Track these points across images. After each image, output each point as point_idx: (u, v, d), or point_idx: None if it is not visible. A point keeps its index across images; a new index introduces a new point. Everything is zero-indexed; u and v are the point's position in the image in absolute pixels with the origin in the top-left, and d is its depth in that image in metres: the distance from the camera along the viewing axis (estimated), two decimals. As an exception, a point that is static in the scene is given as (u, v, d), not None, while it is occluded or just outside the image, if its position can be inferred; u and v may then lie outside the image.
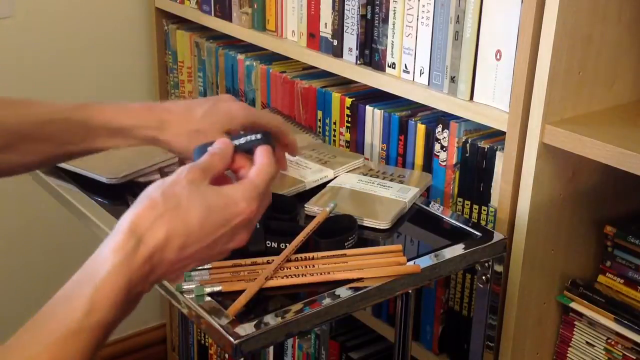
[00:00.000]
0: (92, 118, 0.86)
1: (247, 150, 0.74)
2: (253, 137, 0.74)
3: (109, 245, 0.60)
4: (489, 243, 0.95)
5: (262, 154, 0.72)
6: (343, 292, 0.81)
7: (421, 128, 1.11)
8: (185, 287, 0.79)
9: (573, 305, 1.03)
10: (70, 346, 0.56)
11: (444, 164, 1.09)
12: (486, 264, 0.97)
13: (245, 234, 0.68)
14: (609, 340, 0.99)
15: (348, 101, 1.23)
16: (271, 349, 1.53)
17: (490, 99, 1.00)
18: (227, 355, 1.69)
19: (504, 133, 0.98)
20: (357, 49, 1.18)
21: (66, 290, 0.59)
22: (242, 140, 0.74)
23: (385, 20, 1.12)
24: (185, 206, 0.63)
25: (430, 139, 1.10)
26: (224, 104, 0.88)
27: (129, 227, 0.61)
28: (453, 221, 1.01)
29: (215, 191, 0.66)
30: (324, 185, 1.05)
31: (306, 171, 1.07)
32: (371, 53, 1.17)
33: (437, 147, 1.09)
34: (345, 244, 0.89)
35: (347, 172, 1.09)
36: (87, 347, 0.57)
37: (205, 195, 0.65)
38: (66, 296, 0.59)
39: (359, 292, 0.81)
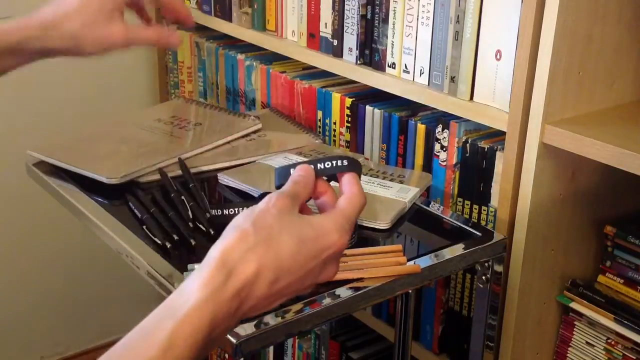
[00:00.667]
0: None
1: (329, 176, 0.69)
2: (339, 162, 0.68)
3: (196, 278, 0.55)
4: (489, 243, 0.95)
5: (350, 182, 0.67)
6: (343, 292, 0.81)
7: (421, 128, 1.11)
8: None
9: (573, 305, 1.03)
10: None
11: (444, 164, 1.09)
12: (486, 264, 0.97)
13: (335, 266, 0.63)
14: (609, 340, 0.99)
15: (348, 101, 1.23)
16: (271, 349, 1.53)
17: (490, 99, 1.00)
18: (227, 355, 1.69)
19: (504, 133, 0.98)
20: (357, 49, 1.18)
21: (147, 323, 0.55)
22: (326, 165, 0.68)
23: (385, 20, 1.12)
24: (277, 237, 0.58)
25: (430, 139, 1.10)
26: None
27: (218, 259, 0.56)
28: (453, 221, 1.01)
29: (307, 221, 0.61)
30: (324, 185, 1.05)
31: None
32: (371, 53, 1.17)
33: (437, 147, 1.09)
34: (345, 244, 0.89)
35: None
36: None
37: (297, 226, 0.60)
38: (146, 330, 0.54)
39: (359, 292, 0.81)
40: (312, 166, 0.67)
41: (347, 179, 0.67)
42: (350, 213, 0.64)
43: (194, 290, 0.54)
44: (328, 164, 0.68)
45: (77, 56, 0.90)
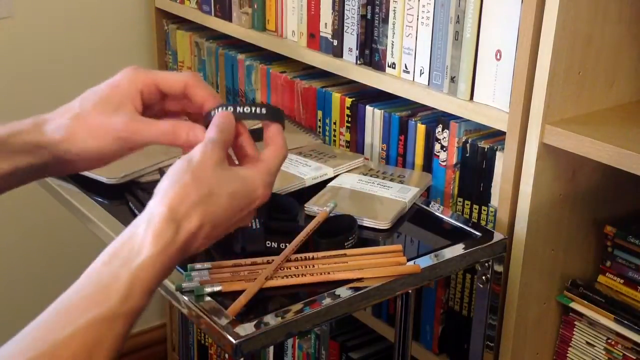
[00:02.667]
0: None
1: (254, 133, 0.72)
2: (258, 109, 0.71)
3: (148, 230, 0.59)
4: (489, 243, 0.95)
5: (274, 134, 0.71)
6: (343, 292, 0.81)
7: (421, 128, 1.11)
8: (185, 287, 0.79)
9: (573, 305, 1.03)
10: (104, 332, 0.55)
11: (444, 164, 1.09)
12: (486, 264, 0.97)
13: (252, 216, 0.69)
14: (609, 340, 0.99)
15: (348, 101, 1.23)
16: (271, 349, 1.53)
17: (490, 99, 1.00)
18: (227, 355, 1.69)
19: (504, 133, 0.98)
20: (357, 49, 1.18)
21: (99, 272, 0.58)
22: (245, 110, 0.71)
23: (385, 20, 1.12)
24: (217, 193, 0.63)
25: (430, 139, 1.10)
26: (108, 80, 0.77)
27: (167, 213, 0.60)
28: (453, 221, 1.01)
29: (240, 177, 0.66)
30: (323, 184, 1.05)
31: (306, 168, 1.07)
32: (371, 53, 1.17)
33: (437, 147, 1.09)
34: (345, 244, 0.89)
35: (347, 171, 1.10)
36: (121, 333, 0.56)
37: (232, 181, 0.65)
38: (99, 280, 0.57)
39: (359, 292, 0.81)
40: (232, 109, 0.71)
41: (272, 131, 0.71)
42: (274, 168, 0.69)
43: (147, 244, 0.58)
44: (247, 109, 0.71)
45: (74, 156, 0.74)
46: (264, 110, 0.71)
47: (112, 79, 0.76)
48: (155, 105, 0.76)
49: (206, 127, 0.71)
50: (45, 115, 0.76)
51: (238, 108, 0.71)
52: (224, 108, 0.71)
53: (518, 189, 0.97)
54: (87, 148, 0.73)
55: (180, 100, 0.76)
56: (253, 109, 0.72)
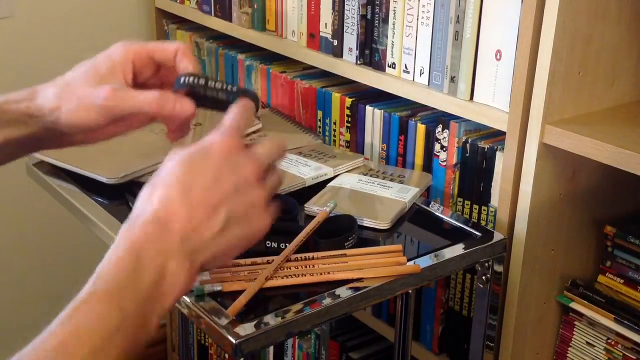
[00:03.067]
0: None
1: (211, 98, 0.71)
2: (230, 87, 0.70)
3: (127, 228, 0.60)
4: (489, 243, 0.95)
5: (238, 106, 0.68)
6: (343, 292, 0.81)
7: (421, 128, 1.11)
8: (185, 287, 0.79)
9: (573, 305, 1.03)
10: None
11: (444, 164, 1.09)
12: (486, 264, 0.97)
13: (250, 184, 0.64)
14: (609, 340, 0.99)
15: (348, 101, 1.23)
16: (271, 349, 1.53)
17: (490, 99, 1.00)
18: (227, 355, 1.69)
19: (504, 133, 0.98)
20: (357, 49, 1.18)
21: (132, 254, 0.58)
22: (217, 85, 0.70)
23: (385, 20, 1.12)
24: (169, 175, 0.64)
25: (430, 139, 1.10)
26: (105, 51, 0.78)
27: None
28: (453, 221, 1.01)
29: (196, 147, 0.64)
30: (323, 184, 1.05)
31: (306, 168, 1.07)
32: (371, 53, 1.17)
33: (437, 147, 1.09)
34: (345, 244, 0.89)
35: (347, 171, 1.10)
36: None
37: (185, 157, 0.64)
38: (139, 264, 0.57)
39: (359, 292, 0.81)
40: (203, 81, 0.70)
41: (237, 104, 0.68)
42: (226, 123, 0.65)
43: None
44: (219, 85, 0.71)
45: (62, 127, 0.74)
46: (234, 89, 0.70)
47: (107, 49, 0.77)
48: (150, 78, 0.76)
49: (173, 91, 0.71)
50: (39, 86, 0.76)
51: (210, 82, 0.70)
52: (196, 78, 0.71)
53: (518, 189, 0.97)
54: (74, 118, 0.73)
55: (174, 72, 0.75)
56: (225, 85, 0.70)
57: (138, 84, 0.75)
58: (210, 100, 0.72)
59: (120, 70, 0.74)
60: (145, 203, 0.62)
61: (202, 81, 0.71)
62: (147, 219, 0.60)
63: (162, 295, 0.58)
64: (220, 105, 0.71)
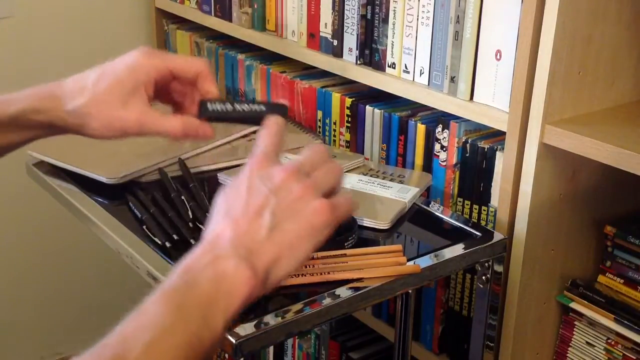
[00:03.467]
0: None
1: (239, 119, 0.73)
2: (257, 107, 0.72)
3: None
4: (489, 243, 0.95)
5: (269, 123, 0.70)
6: (343, 292, 0.81)
7: (421, 128, 1.11)
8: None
9: (573, 305, 1.03)
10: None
11: (444, 164, 1.09)
12: (486, 264, 0.97)
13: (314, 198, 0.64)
14: (609, 340, 0.99)
15: (348, 101, 1.23)
16: (271, 349, 1.53)
17: (490, 99, 1.00)
18: (227, 355, 1.69)
19: (504, 133, 0.98)
20: (357, 49, 1.18)
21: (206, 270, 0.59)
22: (245, 108, 0.72)
23: (385, 20, 1.12)
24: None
25: (430, 139, 1.10)
26: (125, 58, 0.81)
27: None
28: (453, 221, 1.01)
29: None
30: (324, 185, 1.05)
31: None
32: (371, 53, 1.17)
33: (437, 147, 1.09)
34: (345, 244, 0.89)
35: (347, 171, 1.10)
36: None
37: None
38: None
39: (359, 292, 0.81)
40: (229, 107, 0.73)
41: (269, 120, 0.70)
42: (260, 146, 0.68)
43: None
44: (246, 107, 0.73)
45: (84, 135, 0.81)
46: (261, 107, 0.72)
47: (128, 58, 0.80)
48: (164, 86, 0.80)
49: (198, 116, 0.75)
50: (61, 91, 0.79)
51: (236, 105, 0.72)
52: (222, 104, 0.73)
53: (518, 189, 0.97)
54: (98, 134, 0.79)
55: (186, 85, 0.80)
56: (252, 105, 0.72)
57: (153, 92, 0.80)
58: (239, 120, 0.74)
59: (143, 89, 0.78)
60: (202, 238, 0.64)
61: (228, 107, 0.73)
62: (199, 243, 0.62)
63: (225, 297, 0.58)
64: (251, 122, 0.74)
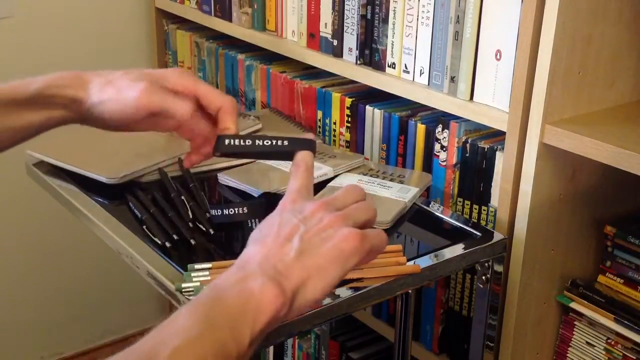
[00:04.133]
0: None
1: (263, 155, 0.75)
2: (279, 142, 0.72)
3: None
4: (489, 243, 0.95)
5: (299, 161, 0.73)
6: (343, 292, 0.81)
7: (421, 128, 1.11)
8: (185, 287, 0.79)
9: (573, 305, 1.03)
10: None
11: (444, 164, 1.09)
12: (486, 264, 0.97)
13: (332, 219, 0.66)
14: (609, 340, 0.99)
15: (348, 101, 1.23)
16: (271, 349, 1.53)
17: (490, 99, 1.00)
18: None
19: (504, 133, 0.98)
20: (357, 49, 1.18)
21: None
22: (266, 142, 0.73)
23: (385, 20, 1.12)
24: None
25: (430, 139, 1.10)
26: (160, 69, 0.83)
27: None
28: (453, 221, 1.01)
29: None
30: (323, 184, 1.05)
31: (306, 171, 1.07)
32: (371, 53, 1.17)
33: (437, 147, 1.09)
34: (345, 244, 0.89)
35: (347, 171, 1.10)
36: None
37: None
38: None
39: (359, 292, 0.81)
40: (250, 142, 0.74)
41: (298, 157, 0.73)
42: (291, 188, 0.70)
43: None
44: (267, 142, 0.73)
45: (100, 118, 0.82)
46: (285, 142, 0.72)
47: (162, 70, 0.83)
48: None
49: (213, 151, 0.75)
50: (86, 73, 0.81)
51: (257, 141, 0.72)
52: (240, 140, 0.74)
53: (518, 189, 0.97)
54: (115, 113, 0.80)
55: (208, 119, 0.82)
56: (273, 141, 0.72)
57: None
58: (260, 156, 0.76)
59: (165, 86, 0.80)
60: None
61: (248, 142, 0.73)
62: (228, 270, 0.63)
63: (252, 313, 0.58)
64: (274, 157, 0.75)
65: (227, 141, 0.74)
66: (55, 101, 0.81)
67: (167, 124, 0.82)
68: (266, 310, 0.58)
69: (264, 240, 0.63)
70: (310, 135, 0.77)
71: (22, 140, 0.85)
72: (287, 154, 0.73)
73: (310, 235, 0.63)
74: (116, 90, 0.79)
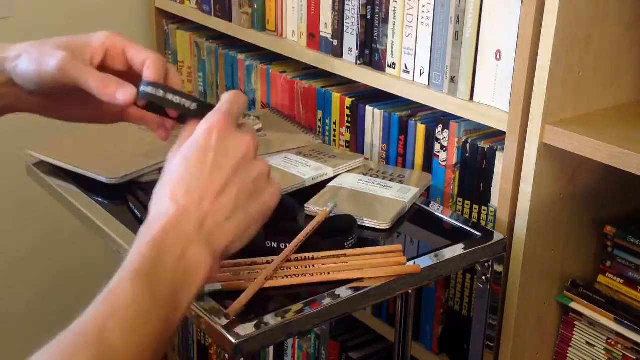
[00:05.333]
0: None
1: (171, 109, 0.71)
2: (187, 103, 0.70)
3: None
4: (489, 243, 0.95)
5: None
6: (343, 292, 0.81)
7: (421, 128, 1.11)
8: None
9: (573, 305, 1.03)
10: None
11: (444, 164, 1.09)
12: (486, 264, 0.97)
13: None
14: (609, 340, 0.99)
15: (348, 101, 1.23)
16: (271, 349, 1.53)
17: (490, 99, 1.00)
18: (227, 355, 1.69)
19: (504, 133, 0.98)
20: (357, 49, 1.18)
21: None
22: (175, 100, 0.70)
23: (385, 20, 1.12)
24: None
25: (430, 139, 1.10)
26: (86, 34, 0.78)
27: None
28: (453, 221, 1.01)
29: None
30: (323, 184, 1.05)
31: (305, 168, 1.07)
32: (371, 53, 1.17)
33: (437, 147, 1.09)
34: (345, 244, 0.89)
35: (347, 171, 1.10)
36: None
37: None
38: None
39: (359, 292, 0.81)
40: (162, 92, 0.71)
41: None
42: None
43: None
44: (177, 100, 0.70)
45: (17, 77, 0.76)
46: (194, 105, 0.70)
47: (89, 34, 0.78)
48: (116, 73, 0.76)
49: (135, 100, 0.72)
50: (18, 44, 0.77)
51: (168, 95, 0.70)
52: (153, 87, 0.71)
53: (518, 189, 0.97)
54: (28, 71, 0.74)
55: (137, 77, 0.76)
56: (182, 100, 0.70)
57: (103, 69, 0.76)
58: (172, 110, 0.72)
59: (89, 51, 0.75)
60: (157, 204, 0.64)
61: (160, 92, 0.71)
62: (161, 216, 0.62)
63: (188, 279, 0.60)
64: (182, 117, 0.71)
65: (143, 87, 0.71)
66: None
67: (101, 108, 0.78)
68: (200, 276, 0.61)
69: (198, 186, 0.63)
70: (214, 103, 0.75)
71: None
72: (189, 115, 0.71)
73: (244, 189, 0.64)
74: (38, 53, 0.75)
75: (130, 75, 0.76)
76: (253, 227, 0.66)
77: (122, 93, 0.72)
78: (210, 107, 0.69)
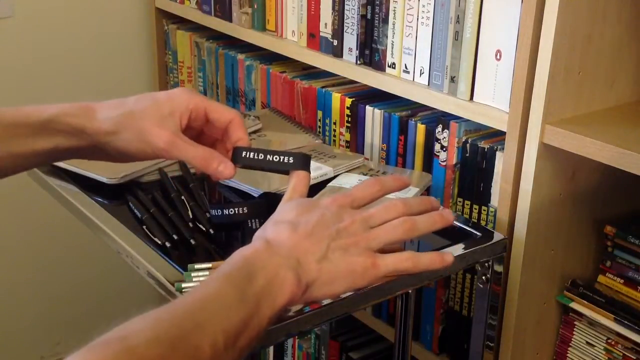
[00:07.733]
0: (4, 115, 0.81)
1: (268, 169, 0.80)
2: (285, 158, 0.78)
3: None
4: (489, 243, 0.94)
5: (298, 183, 0.79)
6: (343, 292, 0.81)
7: (421, 128, 1.11)
8: (185, 287, 0.79)
9: (573, 305, 1.03)
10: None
11: (444, 164, 1.09)
12: (486, 264, 0.97)
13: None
14: (609, 340, 0.99)
15: (348, 101, 1.23)
16: (271, 349, 1.53)
17: (490, 99, 1.00)
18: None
19: (504, 133, 0.98)
20: (357, 49, 1.18)
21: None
22: (274, 159, 0.78)
23: (385, 20, 1.12)
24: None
25: (430, 139, 1.10)
26: (166, 91, 0.83)
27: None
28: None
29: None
30: (323, 184, 1.05)
31: (306, 170, 1.07)
32: (371, 53, 1.17)
33: (437, 147, 1.09)
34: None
35: (347, 171, 1.10)
36: None
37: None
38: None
39: (359, 292, 0.81)
40: (262, 156, 0.80)
41: (296, 178, 0.79)
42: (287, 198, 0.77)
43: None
44: (276, 158, 0.79)
45: (111, 152, 0.81)
46: (291, 160, 0.78)
47: (170, 90, 0.83)
48: (197, 128, 0.83)
49: (232, 160, 0.79)
50: (96, 104, 0.81)
51: (268, 156, 0.78)
52: (253, 153, 0.79)
53: (518, 188, 0.97)
54: (129, 147, 0.79)
55: (217, 131, 0.82)
56: (281, 157, 0.78)
57: (184, 130, 0.81)
58: (269, 170, 0.80)
59: (178, 116, 0.80)
60: (259, 235, 0.72)
61: (261, 156, 0.79)
62: (259, 241, 0.69)
63: (273, 294, 0.65)
64: (280, 172, 0.80)
65: (244, 153, 0.79)
66: (64, 129, 0.80)
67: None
68: (285, 293, 0.66)
69: (298, 226, 0.70)
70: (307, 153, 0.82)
71: (23, 168, 0.85)
72: (289, 169, 0.79)
73: (336, 246, 0.70)
74: (137, 131, 0.78)
75: (207, 129, 0.83)
76: (338, 281, 0.70)
77: (225, 168, 0.79)
78: (304, 156, 0.78)
